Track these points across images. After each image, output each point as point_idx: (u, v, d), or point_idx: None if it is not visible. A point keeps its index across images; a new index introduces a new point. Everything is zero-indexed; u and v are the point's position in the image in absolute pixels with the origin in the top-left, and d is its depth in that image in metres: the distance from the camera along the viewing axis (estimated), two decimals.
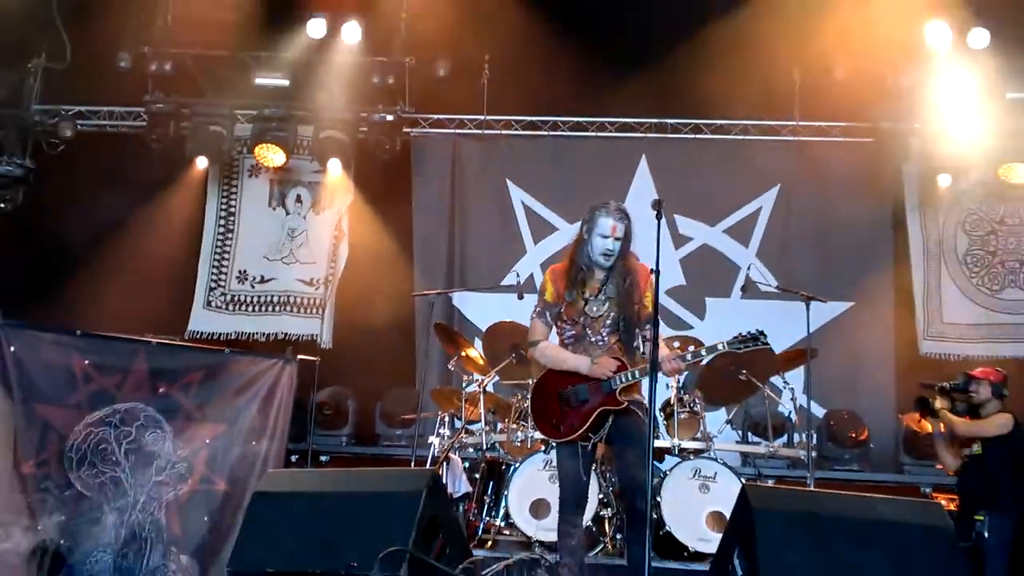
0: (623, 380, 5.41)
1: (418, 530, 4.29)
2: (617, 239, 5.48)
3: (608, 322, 5.61)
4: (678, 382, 8.13)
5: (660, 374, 5.28)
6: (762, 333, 5.65)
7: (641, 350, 5.64)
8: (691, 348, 6.21)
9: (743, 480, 7.82)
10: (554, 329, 5.77)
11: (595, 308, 5.58)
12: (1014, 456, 7.51)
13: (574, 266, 5.65)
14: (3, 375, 8.20)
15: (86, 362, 8.40)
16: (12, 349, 8.23)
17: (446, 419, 8.95)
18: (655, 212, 5.35)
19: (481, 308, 10.95)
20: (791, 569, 4.13)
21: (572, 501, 5.60)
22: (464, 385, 8.92)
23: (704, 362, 6.35)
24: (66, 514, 7.91)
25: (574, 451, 5.59)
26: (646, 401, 5.28)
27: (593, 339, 5.62)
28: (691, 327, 10.52)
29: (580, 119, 11.53)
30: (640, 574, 4.78)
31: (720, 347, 5.73)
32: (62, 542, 7.85)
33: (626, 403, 5.44)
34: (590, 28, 11.21)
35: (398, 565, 3.95)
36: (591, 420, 5.43)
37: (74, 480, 8.06)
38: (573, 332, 5.68)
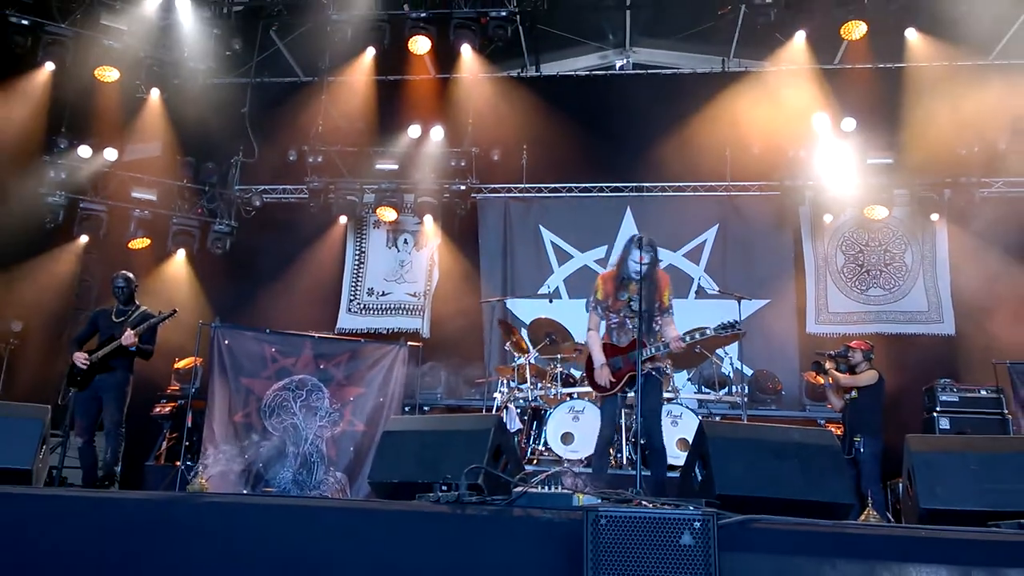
0: (651, 352, 5.60)
1: (489, 453, 4.31)
2: (645, 264, 5.50)
3: (636, 317, 5.62)
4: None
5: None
6: (737, 322, 5.81)
7: (657, 330, 5.76)
8: (684, 335, 6.21)
9: (700, 417, 7.82)
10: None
11: (634, 305, 5.58)
12: (878, 398, 7.53)
13: (619, 276, 5.69)
14: (220, 359, 8.35)
15: (273, 349, 8.53)
16: (226, 342, 8.38)
17: (504, 382, 8.97)
18: (636, 246, 5.43)
19: (525, 309, 10.89)
20: (733, 474, 4.11)
21: (609, 434, 5.71)
22: (516, 359, 8.94)
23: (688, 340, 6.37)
24: (262, 447, 8.01)
25: (614, 401, 5.64)
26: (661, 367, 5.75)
27: (629, 326, 5.66)
28: None
29: (587, 184, 11.50)
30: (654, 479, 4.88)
31: (708, 331, 5.87)
32: (260, 465, 7.94)
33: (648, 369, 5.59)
34: (593, 127, 11.28)
35: (477, 476, 3.96)
36: (623, 381, 5.46)
37: (267, 425, 8.18)
38: (617, 320, 5.71)
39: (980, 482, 4.17)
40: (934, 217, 10.32)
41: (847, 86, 10.56)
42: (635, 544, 3.09)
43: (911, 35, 9.80)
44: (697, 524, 3.09)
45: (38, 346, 10.14)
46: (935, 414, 8.19)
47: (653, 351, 5.61)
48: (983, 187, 10.10)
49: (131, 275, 7.41)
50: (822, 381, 8.16)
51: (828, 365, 7.89)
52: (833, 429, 8.19)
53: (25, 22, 10.03)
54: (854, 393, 7.64)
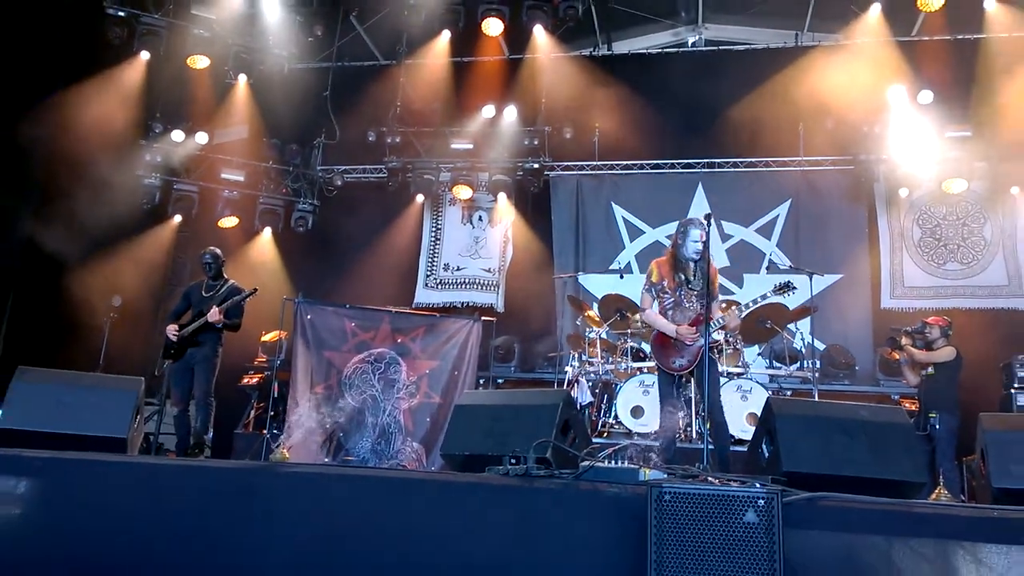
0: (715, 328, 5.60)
1: (558, 428, 4.30)
2: (704, 243, 5.48)
3: (695, 295, 5.57)
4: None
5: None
6: (791, 283, 5.83)
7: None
8: (742, 305, 6.16)
9: (769, 392, 7.67)
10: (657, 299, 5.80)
11: (692, 285, 5.56)
12: (955, 375, 7.28)
13: (676, 259, 5.63)
14: (303, 333, 8.53)
15: (353, 324, 8.67)
16: (308, 317, 8.54)
17: (576, 355, 8.93)
18: (706, 220, 5.35)
19: (597, 284, 10.83)
20: (800, 451, 4.02)
21: (672, 410, 5.69)
22: (587, 333, 8.90)
23: (749, 309, 6.26)
24: (343, 417, 8.15)
25: (670, 384, 5.64)
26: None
27: (686, 304, 5.61)
28: (733, 293, 10.27)
29: (658, 161, 11.31)
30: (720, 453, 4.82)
31: (766, 295, 5.81)
32: (340, 434, 8.10)
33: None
34: (664, 104, 11.07)
35: (545, 450, 3.97)
36: (697, 360, 5.44)
37: (348, 396, 8.33)
38: (672, 300, 5.68)
39: None
40: (1014, 191, 9.87)
41: (924, 58, 10.11)
42: (699, 520, 3.05)
43: (990, 5, 9.33)
44: (761, 502, 3.03)
45: (135, 319, 10.48)
46: (1012, 391, 7.92)
47: (720, 322, 5.60)
48: None
49: (218, 251, 7.50)
50: (898, 357, 7.90)
51: (904, 341, 7.64)
52: (908, 405, 7.97)
53: (122, 14, 10.29)
54: (931, 369, 7.39)
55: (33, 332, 9.25)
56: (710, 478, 3.77)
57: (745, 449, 6.80)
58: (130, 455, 5.15)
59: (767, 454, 4.25)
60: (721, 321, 5.69)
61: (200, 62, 10.80)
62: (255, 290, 7.32)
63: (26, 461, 4.21)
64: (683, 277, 5.63)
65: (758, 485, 3.50)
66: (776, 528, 3.00)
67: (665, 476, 3.72)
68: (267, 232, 11.86)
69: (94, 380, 6.28)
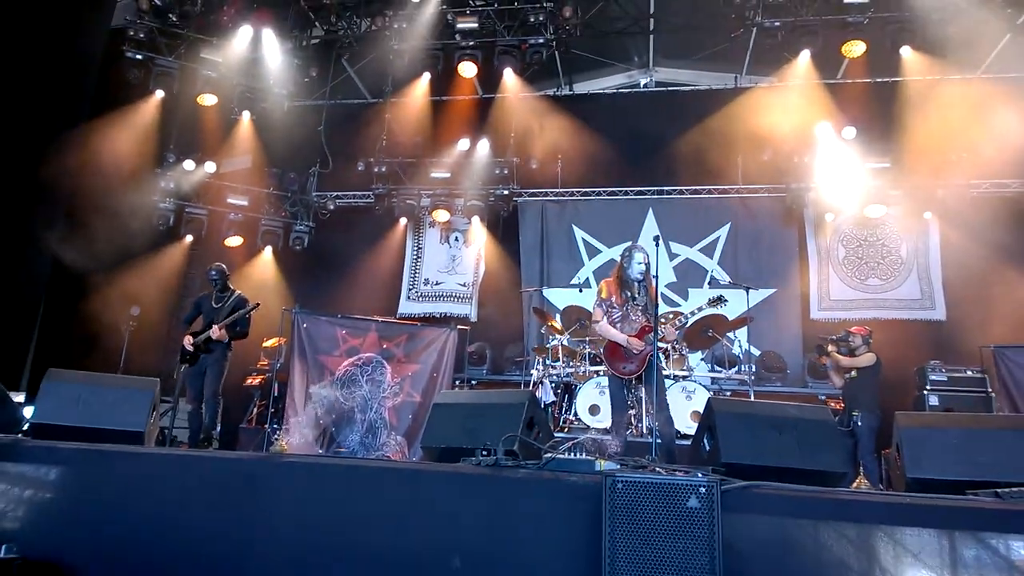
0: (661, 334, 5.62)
1: (524, 424, 4.27)
2: (646, 264, 5.60)
3: (639, 309, 5.60)
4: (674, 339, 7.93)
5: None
6: (722, 297, 5.78)
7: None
8: (680, 318, 6.17)
9: (710, 393, 7.68)
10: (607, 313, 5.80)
11: (637, 301, 5.60)
12: (875, 378, 7.31)
13: (622, 279, 5.67)
14: (300, 340, 8.46)
15: (344, 331, 8.60)
16: (304, 326, 8.47)
17: (540, 360, 8.90)
18: (655, 242, 5.36)
19: (559, 297, 10.81)
20: (736, 444, 4.01)
21: (620, 409, 5.67)
22: (550, 340, 8.87)
23: (689, 324, 6.27)
24: (335, 414, 8.06)
25: (620, 386, 5.63)
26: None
27: (632, 318, 5.63)
28: (679, 305, 10.30)
29: (614, 188, 11.35)
30: (666, 446, 4.82)
31: (701, 307, 5.85)
32: (333, 429, 8.00)
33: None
34: (620, 137, 11.11)
35: (513, 443, 3.93)
36: (644, 365, 5.44)
37: (339, 396, 8.22)
38: (620, 313, 5.68)
39: (960, 454, 4.01)
40: (927, 215, 10.01)
41: (848, 98, 10.28)
42: (647, 506, 3.03)
43: (906, 52, 9.45)
44: (703, 489, 3.01)
45: (152, 327, 10.36)
46: (925, 392, 7.95)
47: (661, 333, 5.63)
48: (971, 188, 9.75)
49: (223, 266, 7.47)
50: (825, 361, 7.93)
51: (831, 348, 7.66)
52: (834, 404, 8.02)
53: (139, 57, 10.26)
54: (854, 373, 7.40)
55: (61, 339, 9.17)
56: (658, 468, 3.75)
57: (689, 443, 6.83)
58: (147, 447, 5.08)
59: (708, 447, 4.24)
60: (661, 332, 5.71)
61: (208, 100, 10.78)
62: (257, 305, 7.30)
63: (56, 451, 4.27)
64: (629, 294, 5.71)
65: (700, 475, 3.50)
66: (715, 513, 2.99)
67: (618, 467, 3.70)
68: (268, 250, 11.77)
69: (115, 380, 6.24)
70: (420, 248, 11.94)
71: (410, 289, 11.73)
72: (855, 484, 5.26)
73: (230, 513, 3.88)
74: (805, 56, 9.70)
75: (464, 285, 11.55)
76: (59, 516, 4.07)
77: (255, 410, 9.61)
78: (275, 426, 8.37)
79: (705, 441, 4.30)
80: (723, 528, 2.99)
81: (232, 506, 3.89)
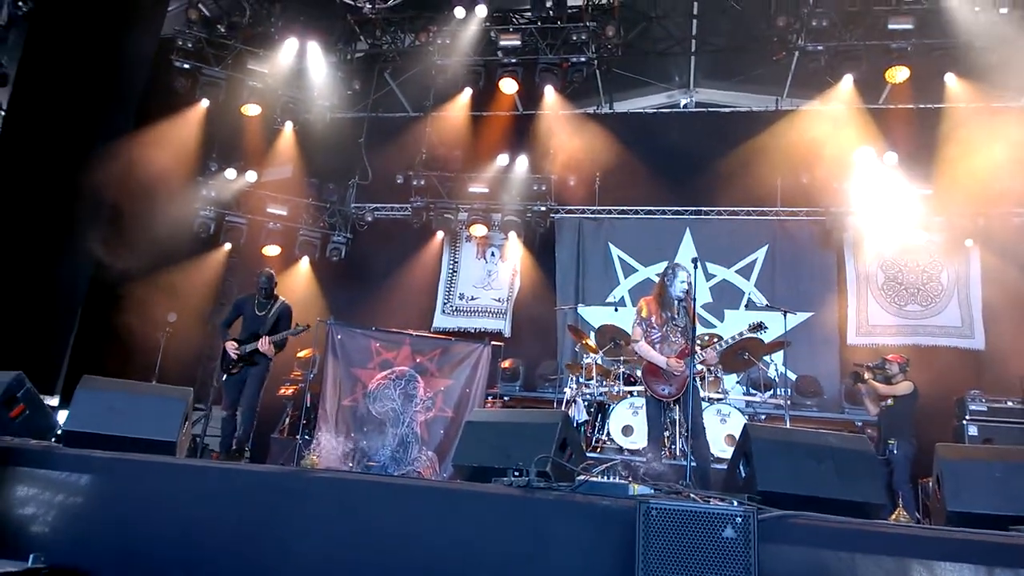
0: (699, 360, 5.53)
1: (556, 445, 4.24)
2: (689, 283, 5.54)
3: (679, 330, 5.56)
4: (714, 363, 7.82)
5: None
6: (762, 323, 5.70)
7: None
8: (717, 340, 6.12)
9: (745, 417, 7.59)
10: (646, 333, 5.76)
11: (677, 322, 5.56)
12: (912, 406, 7.16)
13: (663, 298, 5.63)
14: (334, 351, 8.51)
15: (377, 344, 8.64)
16: (339, 337, 8.53)
17: (574, 378, 8.87)
18: (693, 263, 5.33)
19: (593, 315, 10.75)
20: (773, 472, 3.95)
21: (658, 435, 5.65)
22: (584, 359, 8.84)
23: (728, 345, 6.21)
24: (367, 428, 8.10)
25: (658, 408, 5.61)
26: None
27: (672, 339, 5.58)
28: (715, 327, 10.19)
29: (651, 207, 11.31)
30: (702, 471, 4.76)
31: (742, 333, 5.77)
32: (364, 443, 8.02)
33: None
34: (658, 156, 11.06)
35: (545, 464, 3.92)
36: (683, 388, 5.41)
37: (372, 409, 8.28)
38: (660, 334, 5.65)
39: (1003, 488, 3.90)
40: (968, 243, 9.80)
41: (890, 124, 10.13)
42: (682, 534, 2.99)
43: (950, 80, 9.34)
44: (739, 519, 2.97)
45: (187, 334, 10.47)
46: (964, 422, 7.77)
47: (703, 356, 5.55)
48: (1014, 215, 9.55)
49: (273, 273, 7.39)
50: (862, 389, 7.79)
51: (867, 375, 7.54)
52: (871, 431, 7.87)
53: (187, 67, 10.50)
54: (890, 401, 7.27)
55: (98, 344, 9.24)
56: (692, 495, 3.71)
57: (723, 467, 6.74)
58: (178, 457, 5.13)
59: (744, 474, 4.17)
60: (702, 356, 5.64)
61: (253, 110, 10.95)
62: (308, 326, 7.24)
63: (88, 459, 4.26)
64: (669, 315, 5.63)
65: (735, 503, 3.46)
66: (752, 543, 2.94)
67: (652, 492, 3.67)
68: (305, 260, 11.89)
69: (149, 389, 6.28)
70: (456, 262, 11.99)
71: (445, 303, 11.77)
72: (893, 516, 5.15)
73: (258, 527, 3.86)
74: (848, 81, 9.62)
75: (499, 300, 11.56)
76: (88, 525, 4.07)
77: (287, 420, 9.65)
78: (306, 437, 8.40)
79: (741, 468, 4.23)
80: (760, 558, 2.95)
81: (260, 521, 3.87)
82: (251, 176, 11.39)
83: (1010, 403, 7.79)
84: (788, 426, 7.45)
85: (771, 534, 3.10)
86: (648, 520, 3.04)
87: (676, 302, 5.62)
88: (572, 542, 3.42)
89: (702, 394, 7.75)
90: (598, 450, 7.79)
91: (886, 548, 3.12)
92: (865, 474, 3.96)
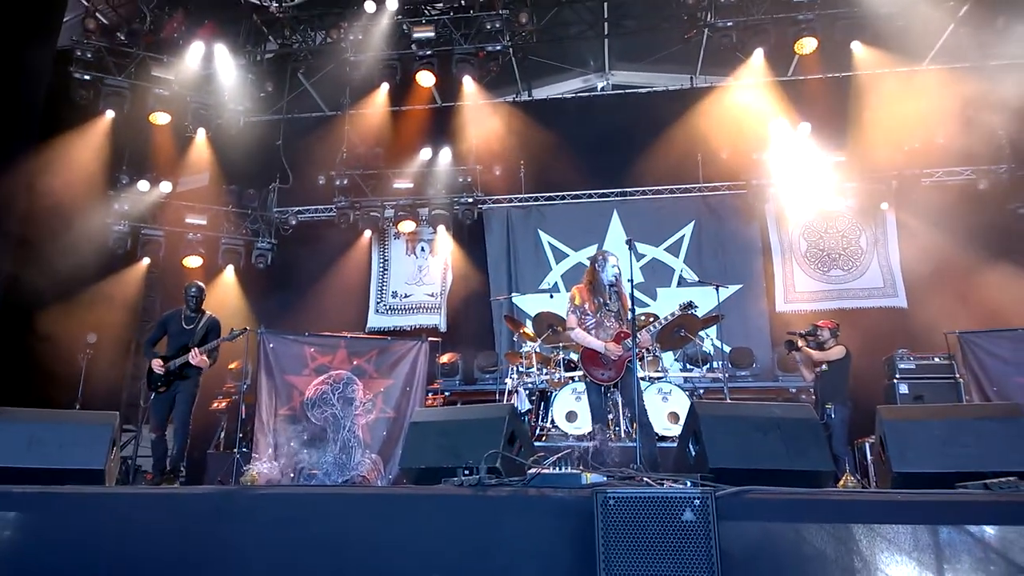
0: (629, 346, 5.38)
1: (505, 439, 4.11)
2: (619, 268, 5.60)
3: (612, 315, 5.50)
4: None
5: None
6: (692, 302, 5.65)
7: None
8: (652, 320, 6.08)
9: (686, 394, 7.61)
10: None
11: (609, 307, 5.50)
12: (846, 370, 7.30)
13: (594, 284, 5.58)
14: (267, 361, 8.18)
15: (312, 349, 8.34)
16: (271, 346, 8.21)
17: (514, 368, 8.75)
18: (627, 245, 5.28)
19: (529, 303, 10.66)
20: (723, 448, 3.91)
21: (600, 417, 5.57)
22: (523, 348, 8.74)
23: (661, 327, 6.16)
24: (307, 435, 7.80)
25: (598, 392, 5.52)
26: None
27: (606, 324, 5.53)
28: (647, 305, 10.23)
29: (578, 192, 11.28)
30: (649, 456, 4.69)
31: (674, 313, 5.73)
32: (305, 452, 7.71)
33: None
34: (581, 141, 11.03)
35: (495, 460, 3.77)
36: (622, 371, 5.32)
37: (311, 416, 7.99)
38: (594, 320, 5.58)
39: (945, 447, 3.95)
40: (884, 205, 10.09)
41: (802, 95, 10.31)
42: (641, 520, 2.89)
43: (856, 47, 9.55)
44: (697, 501, 2.89)
45: (110, 354, 9.99)
46: (895, 380, 7.94)
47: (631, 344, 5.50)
48: (924, 177, 9.89)
49: (202, 285, 7.09)
50: (796, 357, 7.89)
51: (800, 343, 7.64)
52: (805, 397, 8.01)
53: (87, 77, 10.00)
54: (825, 366, 7.38)
55: (15, 372, 8.64)
56: (646, 479, 3.63)
57: (668, 445, 6.74)
58: (108, 486, 4.80)
59: (694, 453, 4.12)
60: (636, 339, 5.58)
61: (161, 118, 10.46)
62: (246, 329, 6.99)
63: (10, 496, 3.94)
64: (601, 300, 5.59)
65: (689, 484, 3.39)
66: (712, 523, 2.86)
67: (604, 479, 3.57)
68: (230, 270, 11.43)
69: (70, 416, 5.96)
70: (386, 260, 11.73)
71: (378, 302, 11.50)
72: (841, 482, 5.21)
73: (202, 552, 3.63)
74: (759, 55, 9.74)
75: (432, 295, 11.36)
76: (19, 566, 3.77)
77: (222, 434, 9.29)
78: (244, 450, 8.07)
79: (691, 446, 4.18)
80: (720, 537, 2.87)
81: (205, 544, 3.64)
82: (165, 187, 10.87)
83: (936, 359, 7.98)
84: (728, 399, 7.51)
85: (728, 512, 3.03)
86: (606, 510, 2.93)
87: (608, 287, 5.60)
88: (529, 537, 3.28)
89: (641, 374, 7.76)
90: (543, 438, 7.70)
91: (839, 515, 3.09)
92: (812, 443, 3.95)
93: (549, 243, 11.18)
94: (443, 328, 11.02)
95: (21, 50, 8.90)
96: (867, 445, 6.95)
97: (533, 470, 3.64)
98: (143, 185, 10.66)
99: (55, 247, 9.16)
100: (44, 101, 9.51)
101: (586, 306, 5.64)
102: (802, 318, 9.34)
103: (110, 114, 10.28)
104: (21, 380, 8.46)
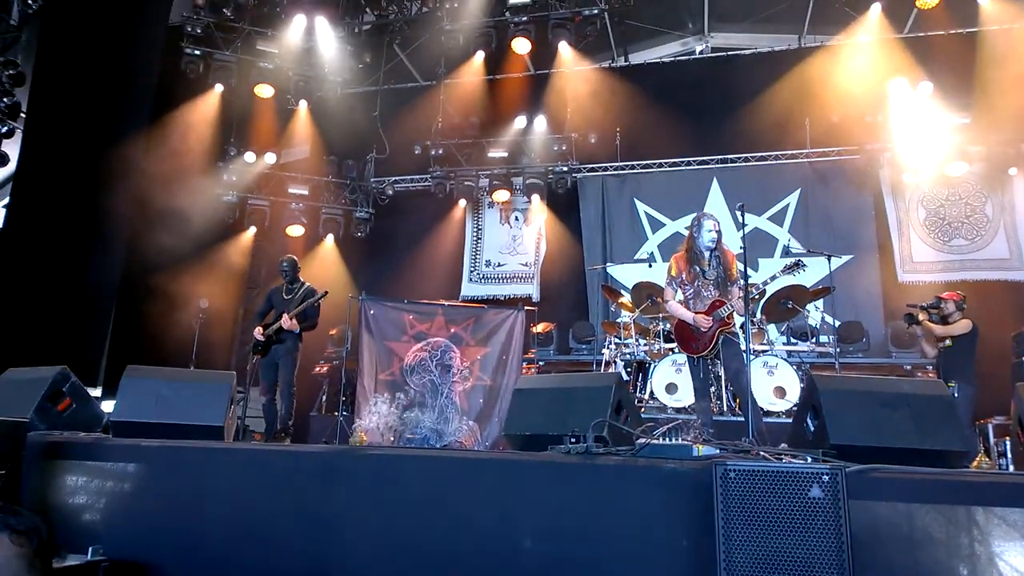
0: (725, 313, 5.11)
1: (612, 408, 4.00)
2: (717, 231, 5.26)
3: (711, 284, 5.27)
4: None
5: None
6: (800, 261, 5.51)
7: (730, 298, 5.29)
8: (753, 288, 5.78)
9: (793, 367, 7.29)
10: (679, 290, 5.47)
11: (708, 274, 5.26)
12: (972, 346, 6.78)
13: (691, 251, 5.33)
14: (368, 326, 8.35)
15: (411, 316, 8.46)
16: (372, 312, 8.37)
17: (611, 339, 8.61)
18: (738, 210, 5.04)
19: (624, 273, 10.43)
20: (846, 424, 3.66)
21: (701, 390, 5.36)
22: (620, 318, 8.58)
23: (766, 294, 5.87)
24: (405, 401, 7.95)
25: (699, 366, 5.31)
26: (736, 329, 5.11)
27: (704, 294, 5.30)
28: (749, 277, 9.77)
29: (676, 159, 10.90)
30: (753, 427, 4.45)
31: (775, 276, 5.47)
32: (404, 416, 7.87)
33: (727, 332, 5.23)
34: (679, 107, 10.63)
35: (602, 428, 3.67)
36: (713, 343, 5.09)
37: (409, 382, 8.13)
38: (692, 290, 5.36)
39: None
40: (1011, 171, 9.31)
41: (923, 52, 9.59)
42: (764, 496, 2.72)
43: (984, 0, 8.78)
44: (826, 477, 2.70)
45: (220, 318, 10.43)
46: (1023, 359, 7.35)
47: (730, 309, 5.22)
48: None
49: (294, 258, 7.39)
50: (917, 331, 7.38)
51: (921, 317, 7.13)
52: (921, 375, 7.53)
53: (197, 52, 10.36)
54: (948, 342, 6.86)
55: (135, 334, 9.19)
56: (762, 453, 3.46)
57: (772, 421, 6.49)
58: (227, 442, 5.00)
59: (813, 427, 3.89)
60: (729, 309, 5.29)
61: (266, 91, 10.77)
62: (326, 293, 7.21)
63: (138, 449, 4.18)
64: (699, 269, 5.36)
65: (810, 459, 3.20)
66: (842, 501, 2.68)
67: (718, 452, 3.41)
68: (330, 239, 11.71)
69: (193, 375, 6.22)
70: (480, 229, 11.73)
71: (472, 271, 11.54)
72: (975, 463, 4.85)
73: (312, 508, 3.73)
74: (875, 9, 9.13)
75: (526, 265, 11.30)
76: (143, 515, 3.99)
77: (324, 398, 9.57)
78: (346, 413, 8.30)
79: (809, 421, 3.94)
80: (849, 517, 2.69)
81: (315, 499, 3.74)
82: (270, 158, 11.23)
83: None
84: (839, 374, 7.14)
85: (856, 490, 2.83)
86: (726, 483, 2.78)
87: (707, 253, 5.34)
88: (638, 507, 3.18)
89: (746, 347, 7.49)
90: (641, 411, 7.54)
91: (976, 498, 2.85)
92: (944, 421, 3.64)
93: (645, 212, 10.90)
94: (536, 298, 10.95)
95: (135, 26, 9.30)
96: (990, 427, 6.48)
97: (642, 440, 3.53)
98: (249, 156, 11.05)
99: (170, 217, 9.54)
100: (158, 78, 9.95)
101: (683, 276, 5.42)
102: (920, 290, 8.77)
103: (219, 88, 10.65)
104: (140, 342, 8.98)
